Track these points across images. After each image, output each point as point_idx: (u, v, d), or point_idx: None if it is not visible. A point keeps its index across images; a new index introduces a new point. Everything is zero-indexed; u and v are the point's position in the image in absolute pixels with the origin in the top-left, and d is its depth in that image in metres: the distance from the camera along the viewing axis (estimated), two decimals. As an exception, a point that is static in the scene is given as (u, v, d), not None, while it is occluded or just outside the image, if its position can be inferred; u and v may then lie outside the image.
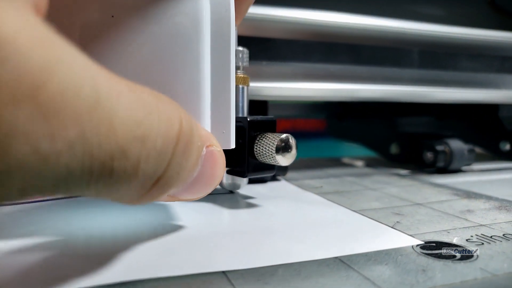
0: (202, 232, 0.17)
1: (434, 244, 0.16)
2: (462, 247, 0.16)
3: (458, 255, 0.15)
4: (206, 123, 0.17)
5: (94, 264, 0.13)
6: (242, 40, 0.25)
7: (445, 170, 0.34)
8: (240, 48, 0.22)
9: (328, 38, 0.28)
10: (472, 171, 0.35)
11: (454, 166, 0.34)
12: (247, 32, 0.25)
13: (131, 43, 0.15)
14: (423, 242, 0.16)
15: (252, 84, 0.26)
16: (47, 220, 0.19)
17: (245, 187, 0.25)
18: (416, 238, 0.17)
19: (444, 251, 0.15)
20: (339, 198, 0.24)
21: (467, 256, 0.15)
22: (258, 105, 0.29)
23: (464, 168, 0.35)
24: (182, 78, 0.16)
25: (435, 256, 0.15)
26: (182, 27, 0.16)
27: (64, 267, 0.13)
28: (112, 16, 0.14)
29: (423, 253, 0.15)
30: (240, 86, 0.22)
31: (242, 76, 0.22)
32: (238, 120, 0.21)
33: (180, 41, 0.16)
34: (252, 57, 0.26)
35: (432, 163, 0.34)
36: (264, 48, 0.28)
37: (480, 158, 0.41)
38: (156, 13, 0.15)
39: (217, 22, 0.17)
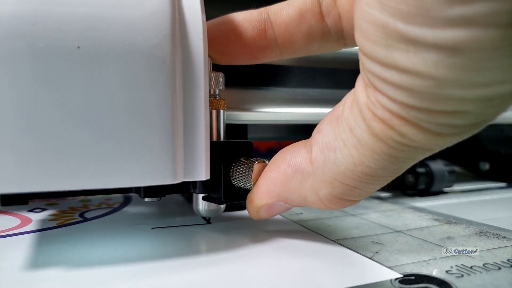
0: (142, 266, 0.17)
1: (413, 278, 0.16)
2: (441, 280, 0.15)
3: (437, 290, 0.14)
4: (179, 153, 0.16)
5: None
6: (220, 65, 0.24)
7: (427, 192, 0.34)
8: (216, 72, 0.22)
9: (307, 62, 0.28)
10: (453, 192, 0.35)
11: (435, 188, 0.33)
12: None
13: (97, 70, 0.14)
14: (402, 276, 0.16)
15: (230, 109, 0.25)
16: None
17: (221, 215, 0.24)
18: (395, 271, 0.16)
19: (422, 285, 0.15)
20: (318, 226, 0.23)
21: (446, 290, 0.14)
22: (237, 129, 0.28)
23: (445, 189, 0.35)
24: (153, 107, 0.15)
25: (413, 292, 0.14)
26: (152, 55, 0.15)
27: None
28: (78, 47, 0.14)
29: (401, 288, 0.15)
30: (217, 110, 0.22)
31: (218, 100, 0.22)
32: (213, 144, 0.20)
33: (150, 69, 0.15)
34: (230, 82, 0.26)
35: (413, 186, 0.34)
36: (243, 73, 0.27)
37: (460, 178, 0.41)
38: (125, 40, 0.15)
39: (189, 49, 0.17)
